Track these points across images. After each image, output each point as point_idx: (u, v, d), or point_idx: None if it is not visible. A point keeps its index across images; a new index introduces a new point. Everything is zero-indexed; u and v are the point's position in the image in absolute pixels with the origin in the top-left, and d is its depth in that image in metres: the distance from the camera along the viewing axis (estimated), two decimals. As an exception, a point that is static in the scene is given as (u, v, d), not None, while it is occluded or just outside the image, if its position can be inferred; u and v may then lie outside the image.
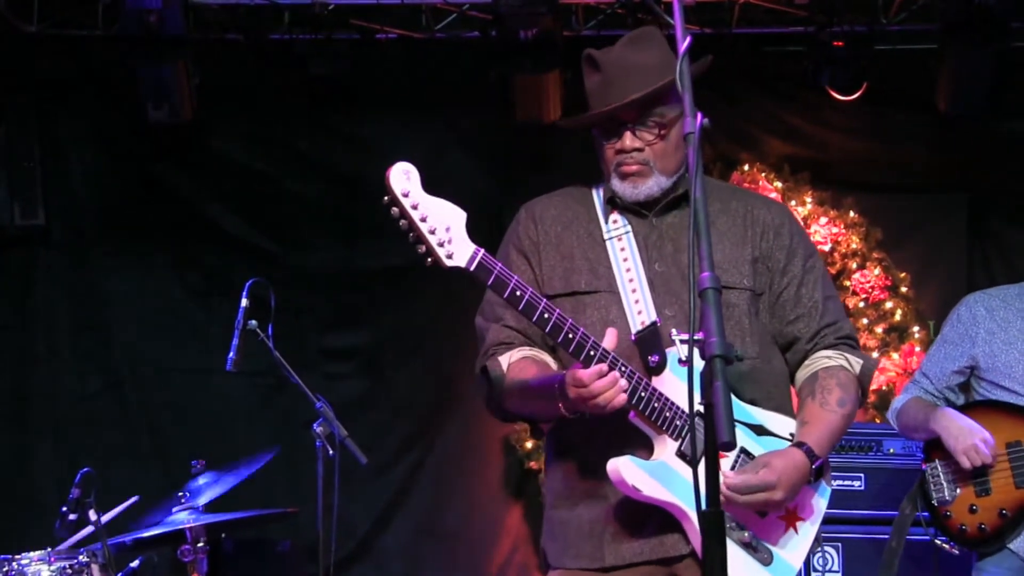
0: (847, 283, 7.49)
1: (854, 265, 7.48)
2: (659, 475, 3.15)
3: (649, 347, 3.20)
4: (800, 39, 7.33)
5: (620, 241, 3.36)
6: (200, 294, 7.54)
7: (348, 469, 5.16)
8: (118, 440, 7.28)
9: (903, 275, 7.50)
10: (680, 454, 3.17)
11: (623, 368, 3.07)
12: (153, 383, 7.43)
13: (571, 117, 3.46)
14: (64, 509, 4.93)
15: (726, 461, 3.21)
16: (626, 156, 3.31)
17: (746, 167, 7.58)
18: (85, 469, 4.96)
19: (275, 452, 5.72)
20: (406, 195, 2.98)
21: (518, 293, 3.05)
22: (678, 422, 3.16)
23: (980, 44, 6.80)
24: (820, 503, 3.36)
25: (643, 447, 3.20)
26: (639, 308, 3.26)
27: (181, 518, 5.28)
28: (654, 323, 3.21)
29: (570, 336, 3.06)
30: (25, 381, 7.40)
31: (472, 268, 3.01)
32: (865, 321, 7.45)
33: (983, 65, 6.89)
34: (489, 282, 3.03)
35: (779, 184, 7.55)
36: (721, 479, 3.15)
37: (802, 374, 3.44)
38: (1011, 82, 7.02)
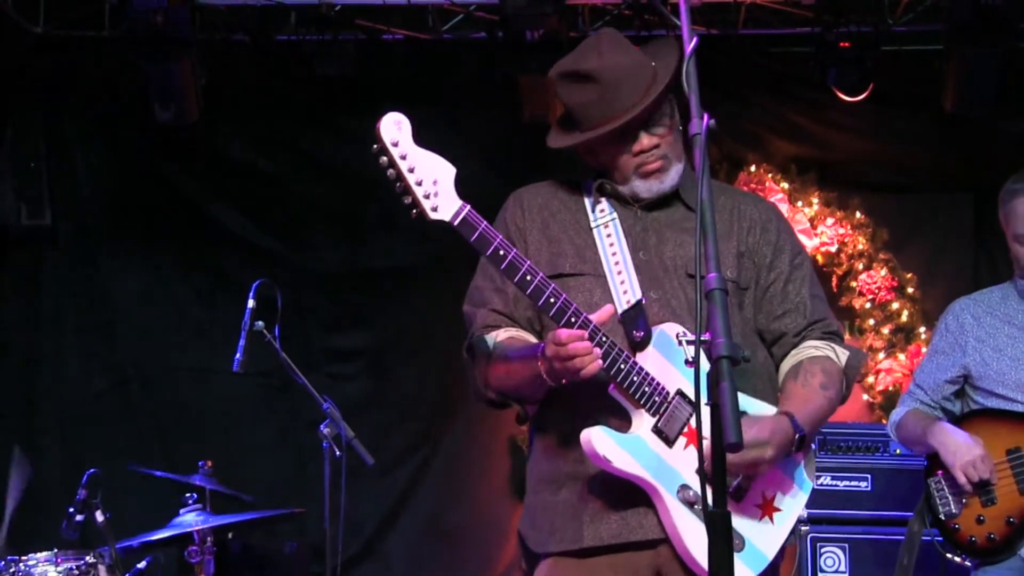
0: (853, 284, 7.50)
1: (860, 266, 7.48)
2: (632, 449, 3.15)
3: (633, 323, 3.23)
4: (806, 40, 7.32)
5: (607, 228, 3.39)
6: (206, 294, 7.54)
7: (354, 469, 5.16)
8: (124, 440, 7.28)
9: (909, 276, 7.51)
10: (656, 430, 3.18)
11: (604, 338, 3.09)
12: (159, 383, 7.43)
13: (576, 136, 3.43)
14: (71, 510, 4.94)
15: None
16: (647, 155, 3.35)
17: (752, 167, 7.58)
18: (92, 470, 4.97)
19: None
20: (395, 144, 2.99)
21: (501, 252, 3.06)
22: (656, 398, 3.17)
23: (987, 44, 6.79)
24: (800, 496, 3.36)
25: (624, 428, 3.20)
26: (624, 288, 3.28)
27: (188, 519, 5.28)
28: (640, 301, 3.24)
29: (552, 300, 3.07)
30: (31, 381, 7.41)
31: (456, 223, 3.03)
32: (871, 322, 7.45)
33: (989, 65, 6.87)
34: (472, 238, 3.05)
35: (785, 184, 7.55)
36: (691, 451, 3.16)
37: (787, 364, 3.45)
38: (1017, 82, 7.01)
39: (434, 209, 3.01)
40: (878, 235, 7.51)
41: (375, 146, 2.99)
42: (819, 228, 7.50)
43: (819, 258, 7.55)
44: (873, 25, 7.10)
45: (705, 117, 2.56)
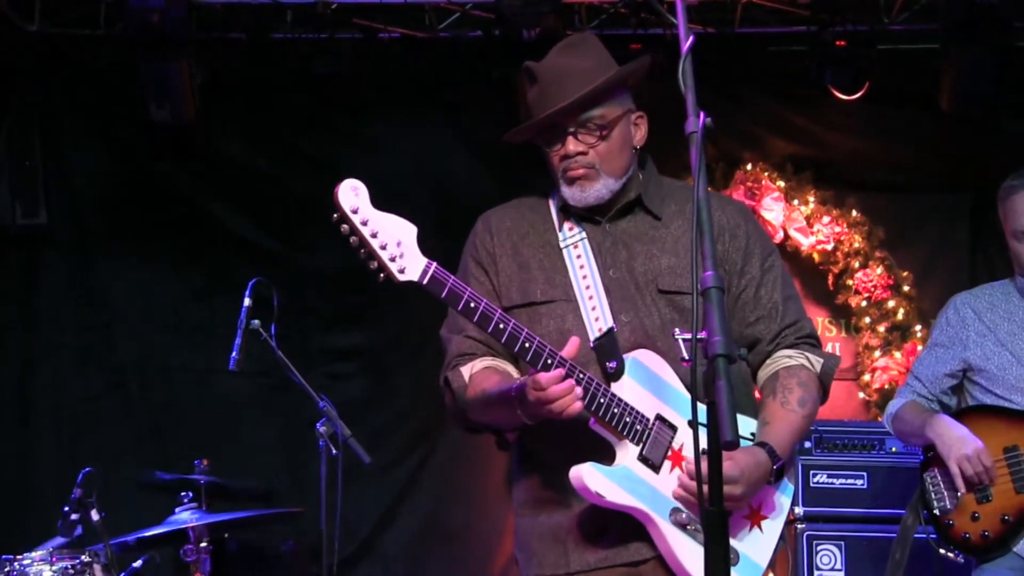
0: (849, 282, 7.50)
1: (856, 264, 7.48)
2: (622, 480, 3.16)
3: (607, 354, 3.23)
4: (803, 38, 7.32)
5: (576, 248, 3.39)
6: (203, 293, 7.53)
7: (351, 469, 5.16)
8: (121, 439, 7.27)
9: (905, 274, 7.51)
10: (642, 458, 3.18)
11: (581, 375, 3.08)
12: (156, 382, 7.41)
13: (513, 129, 3.44)
14: (66, 509, 4.93)
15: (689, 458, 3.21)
16: (571, 161, 3.33)
17: (749, 166, 7.59)
18: (87, 469, 4.97)
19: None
20: (355, 211, 3.02)
21: (472, 305, 3.06)
22: (638, 427, 3.17)
23: (982, 43, 6.80)
24: (784, 502, 3.37)
25: (606, 454, 3.20)
26: (596, 315, 3.29)
27: (184, 518, 5.28)
28: (611, 329, 3.24)
29: (527, 345, 3.07)
30: (28, 380, 7.40)
31: (425, 282, 3.03)
32: (867, 320, 7.46)
33: (985, 64, 6.88)
34: (442, 295, 3.06)
35: (782, 183, 7.56)
36: (676, 474, 3.16)
37: (764, 374, 3.46)
38: (1013, 81, 7.01)
39: (401, 271, 3.01)
40: (874, 233, 7.52)
41: (335, 215, 3.01)
42: (815, 226, 7.50)
43: (815, 256, 7.56)
44: (869, 24, 7.11)
45: (701, 115, 2.56)
